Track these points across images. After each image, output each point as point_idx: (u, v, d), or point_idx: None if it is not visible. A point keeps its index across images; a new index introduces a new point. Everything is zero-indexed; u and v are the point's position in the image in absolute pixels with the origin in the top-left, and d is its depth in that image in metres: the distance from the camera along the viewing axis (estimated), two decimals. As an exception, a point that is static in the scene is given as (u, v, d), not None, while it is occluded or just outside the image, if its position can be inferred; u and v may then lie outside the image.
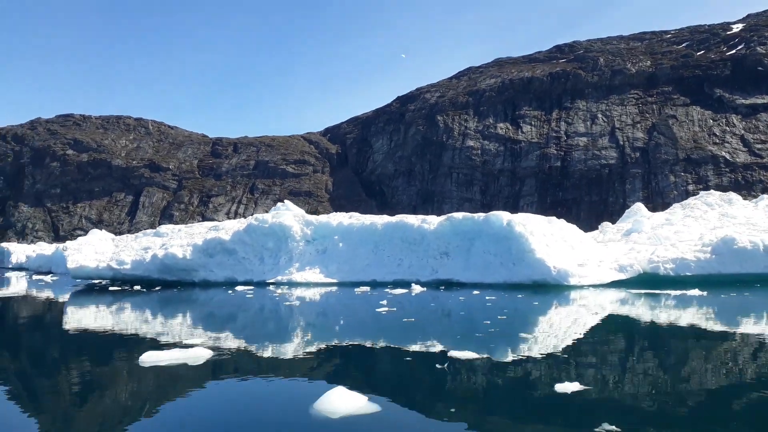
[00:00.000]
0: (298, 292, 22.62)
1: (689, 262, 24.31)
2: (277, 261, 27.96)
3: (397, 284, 24.79)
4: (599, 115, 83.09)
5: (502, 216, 24.50)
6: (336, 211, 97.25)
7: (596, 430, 5.33)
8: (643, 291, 20.68)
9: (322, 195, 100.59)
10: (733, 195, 33.80)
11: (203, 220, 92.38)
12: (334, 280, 26.19)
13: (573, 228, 28.43)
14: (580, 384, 6.90)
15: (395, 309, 15.28)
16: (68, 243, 45.30)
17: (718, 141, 73.82)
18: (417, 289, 22.49)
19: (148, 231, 34.34)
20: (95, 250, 31.71)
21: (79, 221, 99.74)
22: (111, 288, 26.97)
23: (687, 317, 13.84)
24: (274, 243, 28.51)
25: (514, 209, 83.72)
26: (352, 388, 6.51)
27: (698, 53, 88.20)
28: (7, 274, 47.99)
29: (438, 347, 9.70)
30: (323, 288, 24.57)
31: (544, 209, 79.28)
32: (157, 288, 26.51)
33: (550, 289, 22.06)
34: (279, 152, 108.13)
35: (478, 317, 13.72)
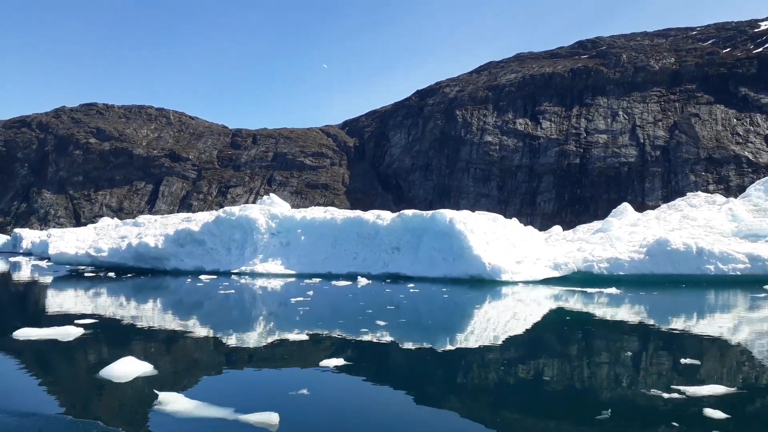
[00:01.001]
0: (258, 282, 23.94)
1: (623, 262, 25.29)
2: (242, 252, 29.30)
3: (351, 277, 26.08)
4: (620, 113, 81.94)
5: (446, 214, 26.01)
6: (352, 205, 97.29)
7: (291, 392, 6.39)
8: (566, 288, 21.51)
9: (339, 188, 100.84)
10: (717, 197, 34.00)
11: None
12: (294, 272, 27.47)
13: (519, 226, 30.16)
14: (345, 360, 7.95)
15: (309, 299, 16.37)
16: (52, 230, 46.00)
17: (741, 141, 72.36)
18: (363, 281, 23.57)
19: (128, 220, 35.82)
20: (77, 237, 33.04)
21: (100, 209, 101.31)
22: (86, 274, 28.25)
23: (583, 311, 14.92)
24: (241, 235, 29.86)
25: (531, 206, 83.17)
26: (144, 359, 7.59)
27: (724, 51, 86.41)
28: (13, 258, 49.27)
29: (283, 331, 10.90)
30: (281, 279, 25.72)
31: (562, 206, 78.60)
32: (129, 275, 27.76)
33: (486, 284, 23.21)
34: (297, 144, 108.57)
35: (366, 308, 14.61)
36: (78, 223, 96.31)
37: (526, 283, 23.75)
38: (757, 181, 34.82)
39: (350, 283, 22.94)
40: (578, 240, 31.21)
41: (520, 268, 24.56)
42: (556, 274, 25.41)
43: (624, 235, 29.06)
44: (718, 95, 78.04)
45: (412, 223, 27.06)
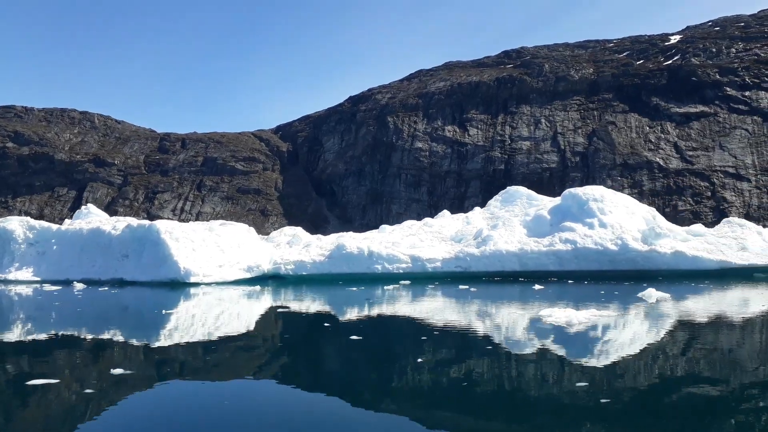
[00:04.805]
0: (14, 288, 26.13)
1: (306, 264, 28.84)
2: (1, 261, 32.50)
3: (88, 282, 28.66)
4: (543, 120, 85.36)
5: (158, 225, 29.24)
6: (285, 210, 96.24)
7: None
8: (252, 288, 24.42)
9: (272, 193, 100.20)
10: (494, 207, 37.47)
11: (148, 217, 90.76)
12: (41, 279, 30.31)
13: (245, 234, 33.22)
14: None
15: None
16: None
17: (653, 147, 76.83)
18: (79, 286, 25.86)
19: None
20: None
21: (18, 216, 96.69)
22: None
23: (217, 303, 17.91)
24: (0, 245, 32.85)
25: (459, 210, 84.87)
26: None
27: (638, 62, 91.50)
28: None
29: None
30: (25, 285, 28.24)
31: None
32: None
33: (182, 285, 26.04)
34: (228, 149, 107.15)
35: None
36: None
37: (218, 284, 26.78)
38: (500, 192, 38.62)
39: (61, 287, 25.19)
40: (304, 245, 33.98)
41: (215, 271, 27.63)
42: (248, 275, 28.59)
43: (360, 242, 31.78)
44: (632, 104, 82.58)
45: (138, 232, 29.97)
